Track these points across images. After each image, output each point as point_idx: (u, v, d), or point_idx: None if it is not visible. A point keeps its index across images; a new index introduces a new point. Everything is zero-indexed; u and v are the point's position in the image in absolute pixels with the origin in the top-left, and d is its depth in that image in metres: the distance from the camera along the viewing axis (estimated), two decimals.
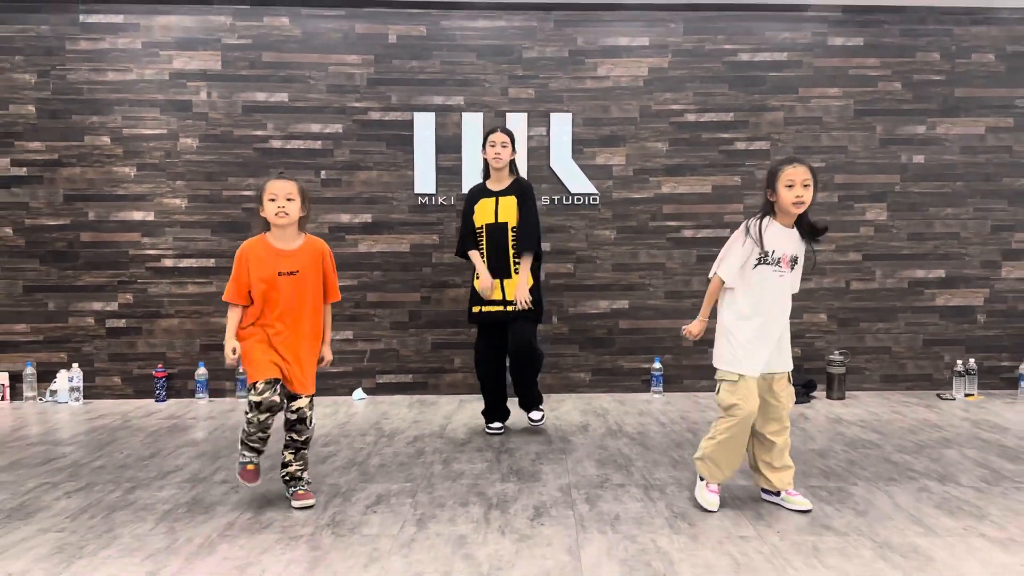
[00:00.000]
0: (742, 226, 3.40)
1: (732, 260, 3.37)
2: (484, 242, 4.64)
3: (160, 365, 5.82)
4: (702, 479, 3.49)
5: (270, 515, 3.33)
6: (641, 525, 3.21)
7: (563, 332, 6.05)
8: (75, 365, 5.74)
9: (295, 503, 3.45)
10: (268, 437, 3.45)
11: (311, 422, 3.53)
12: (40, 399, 5.81)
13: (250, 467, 3.41)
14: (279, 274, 3.41)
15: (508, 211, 4.59)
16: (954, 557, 2.87)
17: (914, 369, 6.14)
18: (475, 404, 5.63)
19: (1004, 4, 5.99)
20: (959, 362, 5.90)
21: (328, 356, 3.64)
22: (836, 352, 5.89)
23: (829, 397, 5.83)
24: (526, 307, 4.52)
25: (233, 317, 3.46)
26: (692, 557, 2.88)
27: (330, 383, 5.93)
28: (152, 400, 5.80)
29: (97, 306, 5.87)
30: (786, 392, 3.44)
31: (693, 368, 6.07)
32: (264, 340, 3.42)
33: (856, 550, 2.94)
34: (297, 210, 3.45)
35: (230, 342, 3.39)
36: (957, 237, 6.12)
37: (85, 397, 5.79)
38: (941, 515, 3.31)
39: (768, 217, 3.37)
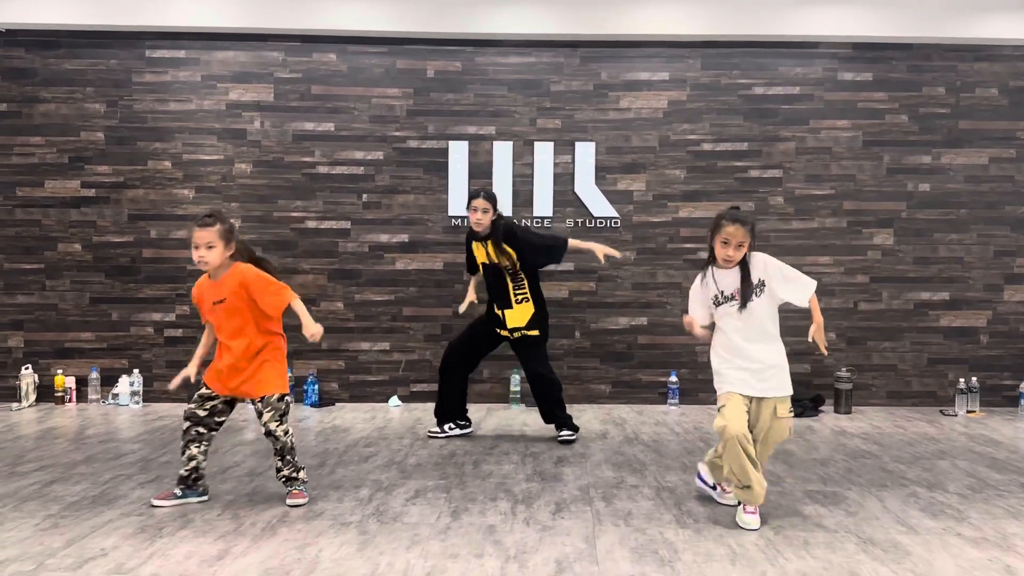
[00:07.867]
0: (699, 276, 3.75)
1: (692, 302, 3.81)
2: (485, 277, 5.13)
3: None
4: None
5: (322, 505, 3.77)
6: (651, 520, 3.60)
7: (585, 346, 6.45)
8: (135, 371, 6.26)
9: (288, 501, 3.77)
10: (191, 446, 3.74)
11: (280, 435, 3.72)
12: (103, 402, 6.33)
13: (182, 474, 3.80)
14: (213, 303, 3.75)
15: (493, 254, 5.03)
16: (929, 552, 3.23)
17: (919, 386, 6.46)
18: (502, 412, 6.06)
19: (1006, 41, 6.34)
20: (962, 380, 6.22)
21: (313, 330, 3.69)
22: (844, 369, 6.23)
23: (836, 411, 6.16)
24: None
25: (204, 339, 3.90)
26: (695, 547, 3.26)
27: (368, 391, 6.39)
28: None
29: (156, 316, 6.39)
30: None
31: (708, 382, 6.33)
32: (218, 358, 3.79)
33: (842, 544, 3.31)
34: (218, 256, 3.63)
35: (189, 369, 3.82)
36: (961, 261, 6.45)
37: (144, 400, 6.30)
38: (924, 517, 3.66)
39: (711, 266, 3.69)
